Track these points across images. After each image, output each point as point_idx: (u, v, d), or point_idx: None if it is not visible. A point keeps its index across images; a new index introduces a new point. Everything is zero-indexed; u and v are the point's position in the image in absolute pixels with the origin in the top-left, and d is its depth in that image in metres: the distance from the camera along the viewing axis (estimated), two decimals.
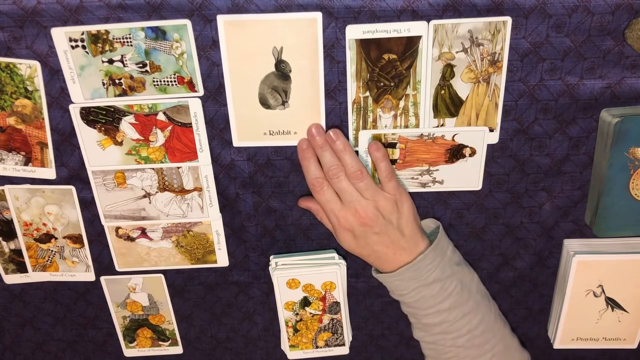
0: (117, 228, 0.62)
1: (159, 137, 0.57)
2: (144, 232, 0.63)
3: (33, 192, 0.61)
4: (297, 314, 0.66)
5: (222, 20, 0.51)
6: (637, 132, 0.53)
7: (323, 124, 0.56)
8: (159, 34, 0.51)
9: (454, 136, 0.57)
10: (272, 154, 0.58)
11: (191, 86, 0.54)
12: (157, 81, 0.54)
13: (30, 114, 0.56)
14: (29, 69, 0.54)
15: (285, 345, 0.69)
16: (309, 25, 0.51)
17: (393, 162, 0.58)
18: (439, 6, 0.50)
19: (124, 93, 0.55)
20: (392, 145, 0.57)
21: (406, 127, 0.56)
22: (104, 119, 0.56)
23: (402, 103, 0.55)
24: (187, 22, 0.51)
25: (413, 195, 0.60)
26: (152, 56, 0.53)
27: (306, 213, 0.62)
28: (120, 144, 0.57)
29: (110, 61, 0.53)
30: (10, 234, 0.64)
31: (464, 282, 0.58)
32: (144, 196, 0.60)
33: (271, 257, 0.65)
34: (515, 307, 0.69)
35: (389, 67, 0.53)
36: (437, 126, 0.56)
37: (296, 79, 0.54)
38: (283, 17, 0.51)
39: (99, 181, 0.59)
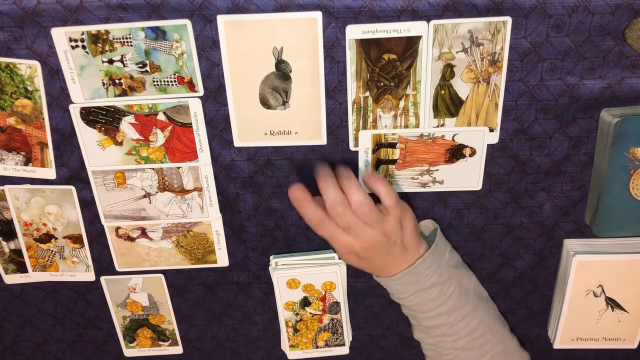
0: (117, 228, 0.62)
1: (159, 137, 0.57)
2: (144, 232, 0.63)
3: (33, 192, 0.61)
4: (297, 314, 0.66)
5: (222, 20, 0.51)
6: (637, 132, 0.53)
7: (323, 123, 0.56)
8: (159, 34, 0.51)
9: (454, 136, 0.57)
10: (272, 154, 0.58)
11: (191, 86, 0.54)
12: (157, 81, 0.54)
13: (30, 114, 0.56)
14: (29, 69, 0.54)
15: (285, 345, 0.69)
16: (309, 25, 0.51)
17: (393, 162, 0.58)
18: (439, 6, 0.50)
19: (124, 93, 0.55)
20: (392, 145, 0.57)
21: (406, 127, 0.56)
22: (104, 119, 0.56)
23: (402, 103, 0.55)
24: (187, 22, 0.51)
25: (413, 195, 0.60)
26: (152, 56, 0.53)
27: None
28: (120, 144, 0.57)
29: (110, 61, 0.53)
30: (10, 234, 0.64)
31: (462, 284, 0.58)
32: (144, 196, 0.60)
33: (271, 257, 0.65)
34: (515, 307, 0.69)
35: (389, 67, 0.53)
36: (437, 126, 0.56)
37: (296, 79, 0.54)
38: (283, 17, 0.51)
39: (99, 181, 0.59)
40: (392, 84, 0.54)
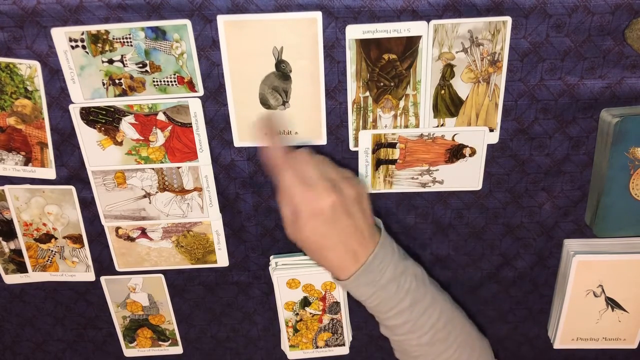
0: (117, 228, 0.62)
1: (159, 137, 0.57)
2: (144, 232, 0.63)
3: (33, 192, 0.61)
4: (297, 314, 0.66)
5: (222, 20, 0.51)
6: (637, 132, 0.53)
7: (323, 123, 0.56)
8: (159, 34, 0.51)
9: (454, 136, 0.57)
10: None
11: (191, 86, 0.54)
12: (157, 81, 0.54)
13: (30, 114, 0.56)
14: (29, 69, 0.54)
15: (285, 345, 0.69)
16: (309, 25, 0.51)
17: (393, 162, 0.58)
18: (439, 6, 0.50)
19: (124, 93, 0.55)
20: (392, 145, 0.57)
21: (406, 127, 0.56)
22: (104, 119, 0.56)
23: (402, 103, 0.55)
24: (187, 22, 0.51)
25: (413, 195, 0.60)
26: (152, 56, 0.53)
27: None
28: (120, 144, 0.57)
29: (110, 61, 0.53)
30: (10, 234, 0.64)
31: (417, 276, 0.56)
32: (144, 196, 0.60)
33: (271, 257, 0.65)
34: (515, 307, 0.69)
35: (389, 67, 0.53)
36: (437, 126, 0.56)
37: (296, 79, 0.54)
38: (283, 17, 0.51)
39: (99, 181, 0.59)
40: (392, 84, 0.54)
